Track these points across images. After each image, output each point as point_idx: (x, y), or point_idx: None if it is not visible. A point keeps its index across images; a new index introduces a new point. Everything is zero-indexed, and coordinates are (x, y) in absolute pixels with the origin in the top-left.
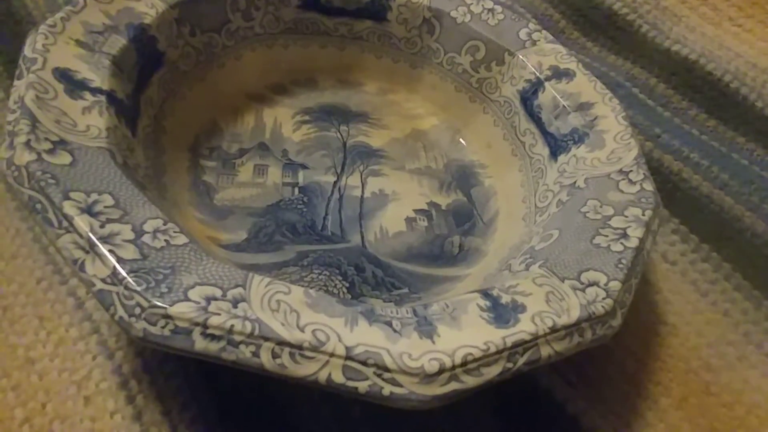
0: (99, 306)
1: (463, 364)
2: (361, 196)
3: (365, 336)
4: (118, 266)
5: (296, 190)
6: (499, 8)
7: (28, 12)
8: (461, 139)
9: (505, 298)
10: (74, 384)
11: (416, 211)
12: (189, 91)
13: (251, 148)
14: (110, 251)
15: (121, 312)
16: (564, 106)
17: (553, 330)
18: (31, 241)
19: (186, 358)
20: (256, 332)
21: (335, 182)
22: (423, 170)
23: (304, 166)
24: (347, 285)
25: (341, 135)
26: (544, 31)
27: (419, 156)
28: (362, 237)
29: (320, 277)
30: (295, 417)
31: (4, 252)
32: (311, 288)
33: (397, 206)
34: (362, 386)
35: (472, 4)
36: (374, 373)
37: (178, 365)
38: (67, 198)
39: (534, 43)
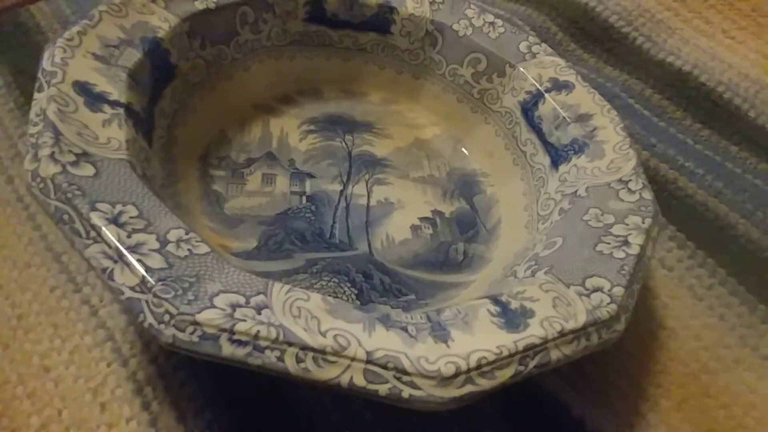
0: (113, 314)
1: (478, 367)
2: (367, 205)
3: (384, 341)
4: (146, 275)
5: (304, 198)
6: (499, 21)
7: (35, 23)
8: (463, 149)
9: (514, 304)
10: (90, 391)
11: (421, 218)
12: (200, 102)
13: (259, 158)
14: (138, 260)
15: (150, 319)
16: (564, 117)
17: (562, 334)
18: (44, 249)
19: (200, 363)
20: (281, 338)
21: (342, 191)
22: (427, 179)
23: (311, 175)
24: (356, 292)
25: (346, 144)
26: (543, 44)
27: (423, 165)
28: (369, 245)
29: (330, 284)
30: (307, 422)
31: (18, 261)
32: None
33: (402, 214)
34: (383, 389)
35: (473, 17)
36: (394, 376)
37: (193, 372)
38: (94, 209)
39: (534, 55)
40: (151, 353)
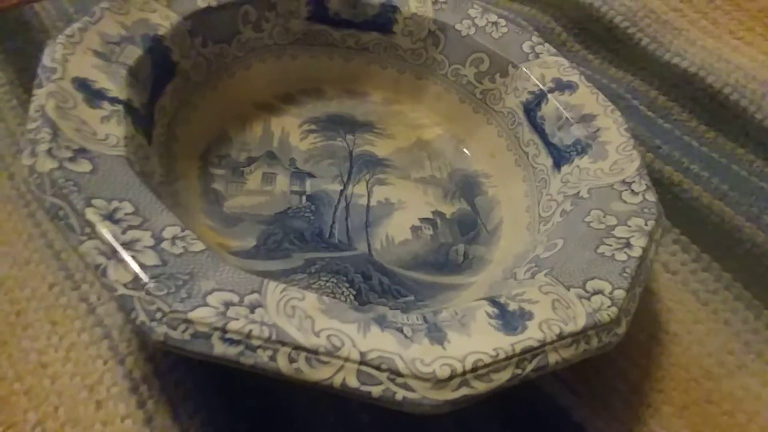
0: (110, 311)
1: (474, 369)
2: (368, 205)
3: (378, 341)
4: (140, 272)
5: (303, 198)
6: (502, 21)
7: (39, 20)
8: (465, 149)
9: (513, 306)
10: (86, 388)
11: (421, 219)
12: (201, 100)
13: (259, 157)
14: (132, 257)
15: (142, 317)
16: (567, 117)
17: (560, 337)
18: (43, 246)
19: (196, 363)
20: (274, 337)
21: (342, 191)
22: (428, 179)
23: (311, 175)
24: (354, 292)
25: (347, 144)
26: (546, 44)
27: (424, 165)
28: (368, 245)
29: (328, 284)
30: (303, 423)
31: (18, 258)
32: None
33: (402, 215)
34: (376, 391)
35: (476, 17)
36: (388, 377)
37: (189, 370)
38: (90, 205)
39: (537, 55)
40: (148, 352)
